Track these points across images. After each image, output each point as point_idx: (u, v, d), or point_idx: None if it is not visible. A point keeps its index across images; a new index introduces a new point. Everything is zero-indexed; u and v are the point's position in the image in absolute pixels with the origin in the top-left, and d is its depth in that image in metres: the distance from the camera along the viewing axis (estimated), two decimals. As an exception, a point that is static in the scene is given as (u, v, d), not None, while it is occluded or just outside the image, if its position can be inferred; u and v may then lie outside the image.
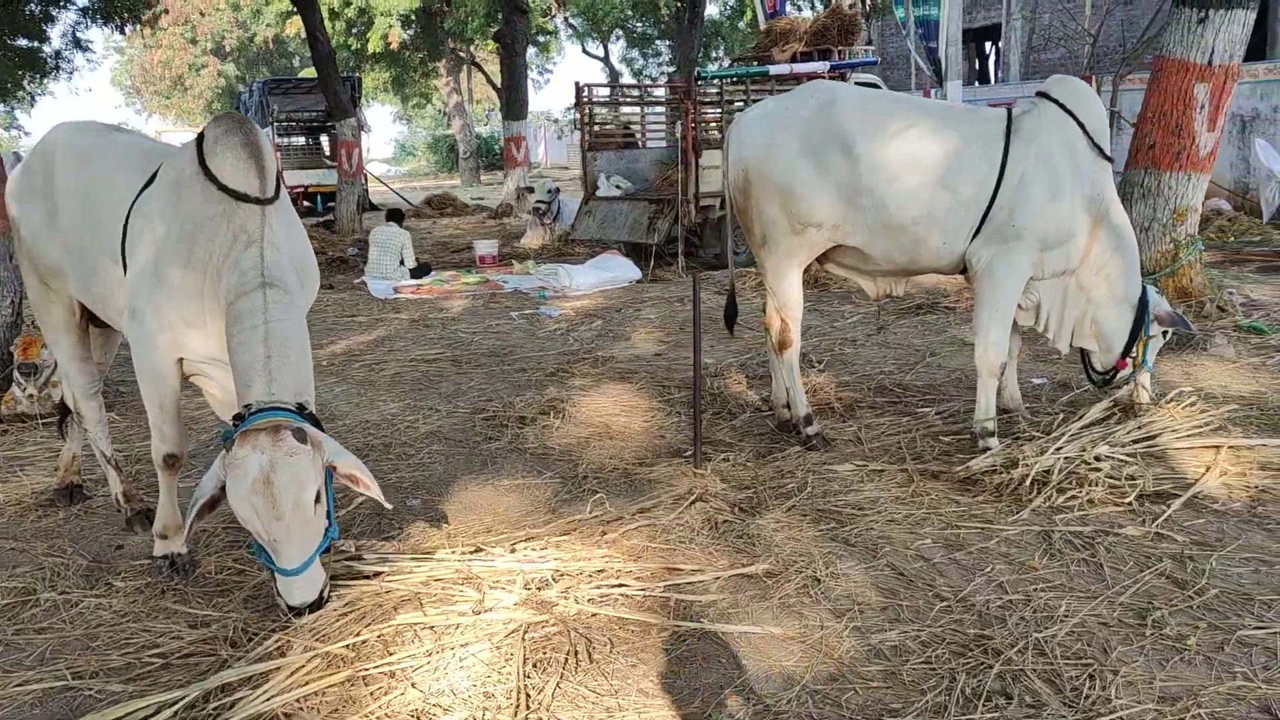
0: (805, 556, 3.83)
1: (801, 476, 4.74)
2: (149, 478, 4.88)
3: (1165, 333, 5.00)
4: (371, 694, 2.95)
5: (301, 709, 2.90)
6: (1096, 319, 4.91)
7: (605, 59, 47.16)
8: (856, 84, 12.47)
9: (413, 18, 36.17)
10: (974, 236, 4.75)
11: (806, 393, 5.41)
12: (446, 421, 5.95)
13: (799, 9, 18.83)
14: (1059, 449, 4.55)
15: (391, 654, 3.12)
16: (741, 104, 11.80)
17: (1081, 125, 4.70)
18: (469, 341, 8.37)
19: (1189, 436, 4.69)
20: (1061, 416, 4.96)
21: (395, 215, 12.49)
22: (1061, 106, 4.73)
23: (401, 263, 11.70)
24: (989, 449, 4.75)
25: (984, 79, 22.90)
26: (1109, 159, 4.78)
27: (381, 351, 8.06)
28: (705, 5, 27.32)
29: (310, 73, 42.01)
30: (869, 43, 13.85)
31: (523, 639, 3.15)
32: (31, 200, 4.23)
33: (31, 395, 6.16)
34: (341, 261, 13.31)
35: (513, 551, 3.88)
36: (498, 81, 45.37)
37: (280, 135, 24.57)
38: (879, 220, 4.77)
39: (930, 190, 4.68)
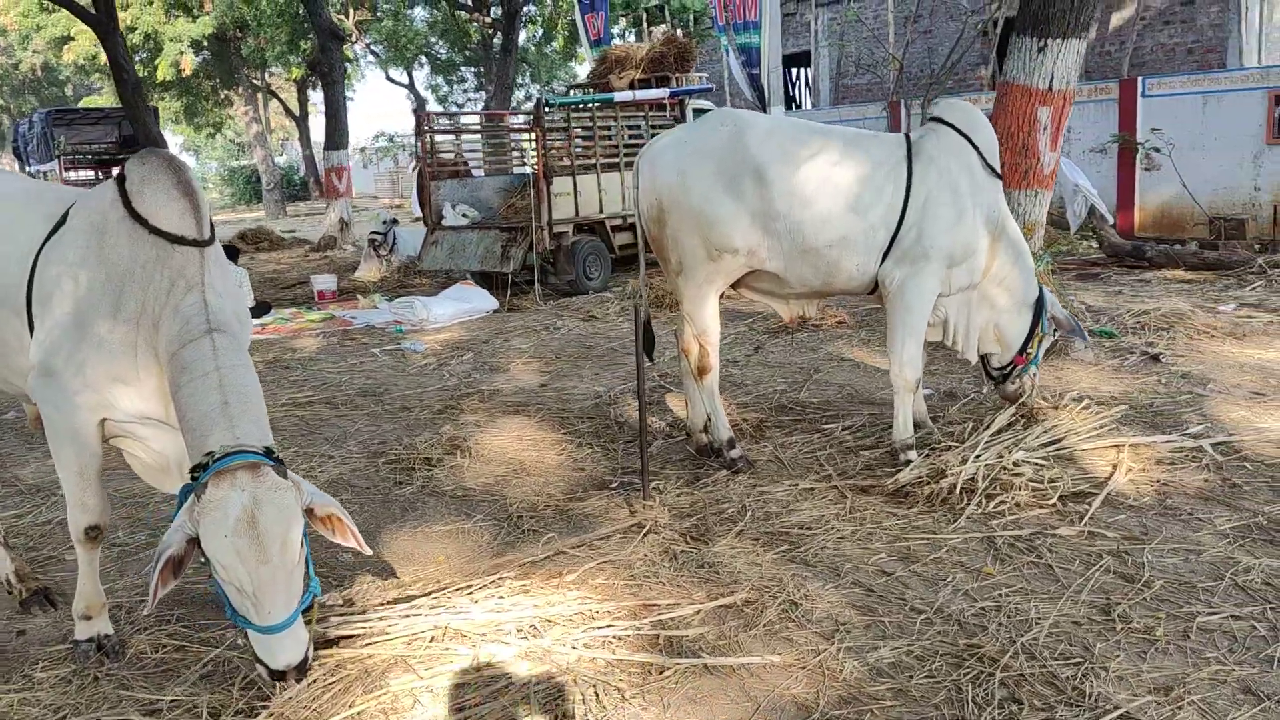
0: (775, 582, 3.85)
1: (738, 500, 4.77)
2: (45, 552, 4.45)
3: (1055, 331, 5.31)
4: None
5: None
6: (999, 324, 5.17)
7: (410, 86, 46.41)
8: (693, 110, 12.81)
9: (205, 43, 34.55)
10: (884, 258, 4.92)
11: (694, 418, 5.47)
12: (345, 468, 5.67)
13: (623, 37, 19.07)
14: (978, 457, 4.76)
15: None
16: (586, 131, 11.87)
17: (976, 147, 4.95)
18: (338, 382, 8.01)
19: (1091, 438, 5.00)
20: (971, 425, 5.19)
21: (230, 252, 11.81)
22: (956, 129, 4.97)
23: (239, 301, 11.07)
24: (910, 461, 4.92)
25: (794, 104, 23.85)
26: (999, 177, 5.06)
27: (246, 397, 7.59)
28: (519, 32, 27.30)
29: (92, 102, 39.65)
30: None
31: (531, 695, 3.02)
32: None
33: None
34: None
35: (476, 602, 3.72)
36: (295, 110, 44.38)
37: (67, 169, 22.92)
38: (794, 245, 4.87)
39: (843, 215, 4.82)
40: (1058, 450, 4.89)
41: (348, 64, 43.45)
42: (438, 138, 12.45)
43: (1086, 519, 4.28)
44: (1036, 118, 7.46)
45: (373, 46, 42.27)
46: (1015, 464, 4.70)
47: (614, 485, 5.14)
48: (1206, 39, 15.41)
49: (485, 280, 11.69)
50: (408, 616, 3.54)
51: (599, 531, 4.44)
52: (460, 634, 3.39)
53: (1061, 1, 7.22)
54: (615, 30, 20.68)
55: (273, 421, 6.77)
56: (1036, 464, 4.73)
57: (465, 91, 49.73)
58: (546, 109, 11.27)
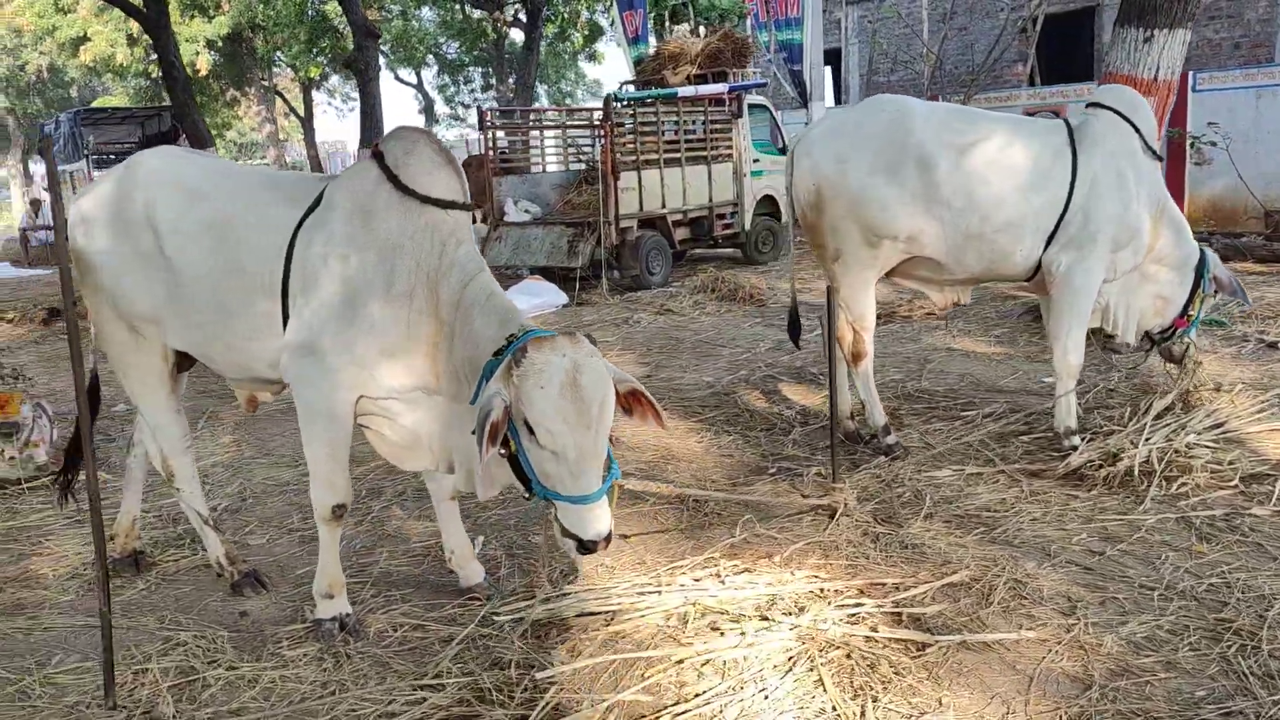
0: (991, 562, 3.87)
1: (910, 485, 4.79)
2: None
3: (1216, 292, 5.32)
4: (691, 739, 2.78)
5: (628, 764, 2.70)
6: (1162, 296, 5.18)
7: (419, 86, 46.43)
8: (750, 105, 12.84)
9: (220, 43, 34.50)
10: (1047, 244, 4.95)
11: (841, 404, 5.48)
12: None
13: (659, 36, 19.07)
14: (1148, 440, 4.79)
15: (688, 696, 2.94)
16: (649, 126, 11.90)
17: (1137, 129, 4.99)
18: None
19: (1254, 421, 5.04)
20: (1129, 410, 5.22)
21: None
22: (1118, 113, 5.00)
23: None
24: (1075, 446, 4.95)
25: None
26: (1160, 158, 5.09)
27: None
28: (541, 31, 27.31)
29: (105, 102, 39.46)
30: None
31: (814, 666, 3.03)
32: (119, 240, 3.76)
33: (12, 458, 5.46)
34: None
35: (697, 580, 3.74)
36: (300, 110, 44.28)
37: (95, 169, 22.83)
38: (959, 231, 4.90)
39: (1010, 199, 4.85)
40: (1224, 433, 4.92)
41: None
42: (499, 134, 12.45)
43: (1276, 498, 4.31)
44: (1141, 108, 7.50)
45: (381, 46, 42.34)
46: (1187, 447, 4.73)
47: (772, 471, 5.17)
48: (1254, 34, 15.52)
49: (547, 276, 11.71)
50: (646, 594, 3.56)
51: (789, 515, 4.46)
52: (712, 611, 3.40)
53: (1169, -8, 7.26)
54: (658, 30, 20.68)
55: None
56: (1208, 446, 4.76)
57: (472, 91, 49.80)
58: (615, 104, 11.29)
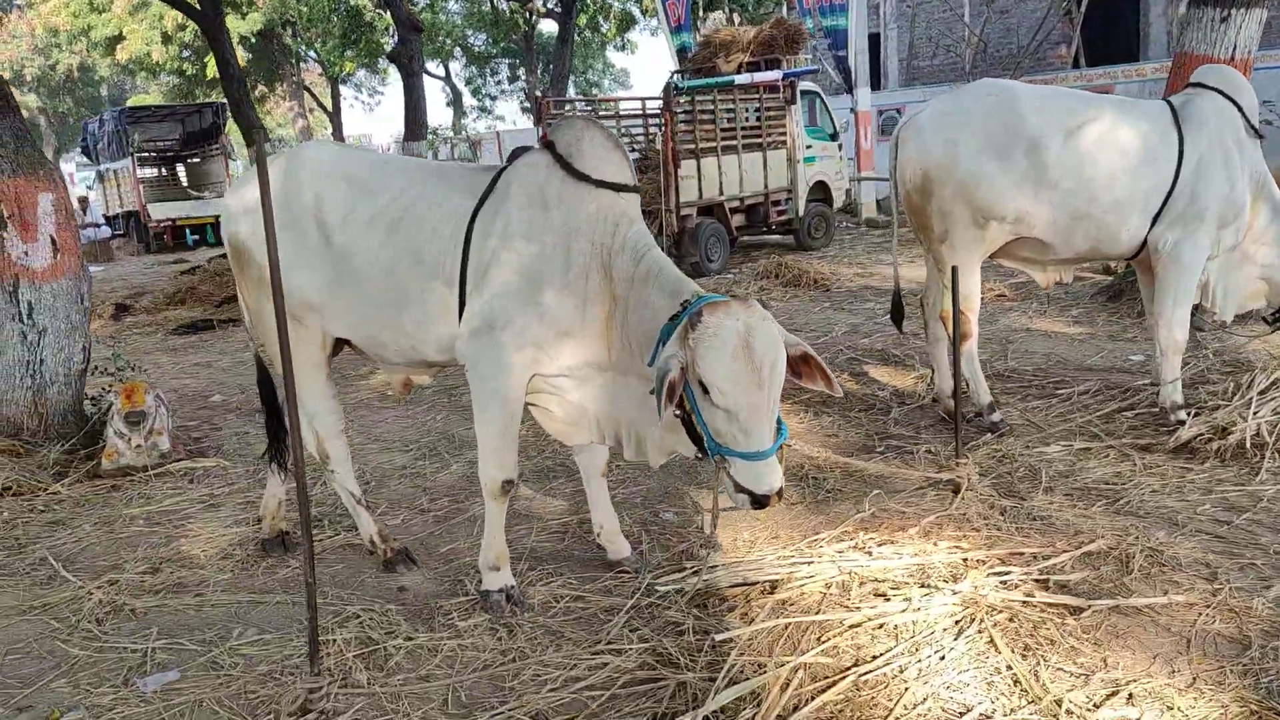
0: (1122, 531, 3.99)
1: (1021, 460, 4.91)
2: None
3: None
4: (877, 698, 2.91)
5: (822, 720, 2.84)
6: (1267, 279, 5.27)
7: (446, 78, 46.62)
8: (803, 92, 12.91)
9: (252, 39, 34.80)
10: (1153, 222, 5.04)
11: (933, 383, 5.59)
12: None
13: (701, 22, 19.18)
14: (1255, 414, 4.87)
15: (866, 658, 3.08)
16: (707, 114, 11.99)
17: (1240, 108, 5.07)
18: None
19: (1358, 395, 5.11)
20: (1231, 386, 5.30)
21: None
22: (1220, 93, 5.08)
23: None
24: (1182, 421, 5.05)
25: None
26: (1261, 136, 5.17)
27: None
28: (575, 22, 27.41)
29: (139, 100, 39.83)
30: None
31: (986, 629, 3.16)
32: (285, 232, 3.85)
33: (138, 446, 5.65)
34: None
35: (840, 552, 3.88)
36: (327, 105, 44.54)
37: (139, 166, 23.13)
38: (1068, 211, 5.00)
39: (1120, 179, 4.94)
40: (1336, 405, 5.00)
41: (386, 61, 43.84)
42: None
43: (1392, 469, 4.41)
44: (1217, 87, 7.55)
45: (409, 39, 42.55)
46: (1294, 420, 4.81)
47: (880, 449, 5.30)
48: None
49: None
50: (798, 565, 3.70)
51: (913, 490, 4.59)
52: (869, 579, 3.53)
53: (1246, -29, 7.29)
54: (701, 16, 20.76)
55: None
56: (1314, 420, 4.85)
57: (499, 83, 50.02)
58: (676, 92, 11.40)
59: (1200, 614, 3.35)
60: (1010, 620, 3.23)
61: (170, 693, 3.30)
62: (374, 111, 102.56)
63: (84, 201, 24.15)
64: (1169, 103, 5.17)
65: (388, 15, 33.43)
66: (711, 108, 11.87)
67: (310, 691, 3.15)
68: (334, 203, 3.82)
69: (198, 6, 14.35)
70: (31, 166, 5.78)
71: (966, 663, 3.03)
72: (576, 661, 3.28)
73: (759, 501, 3.01)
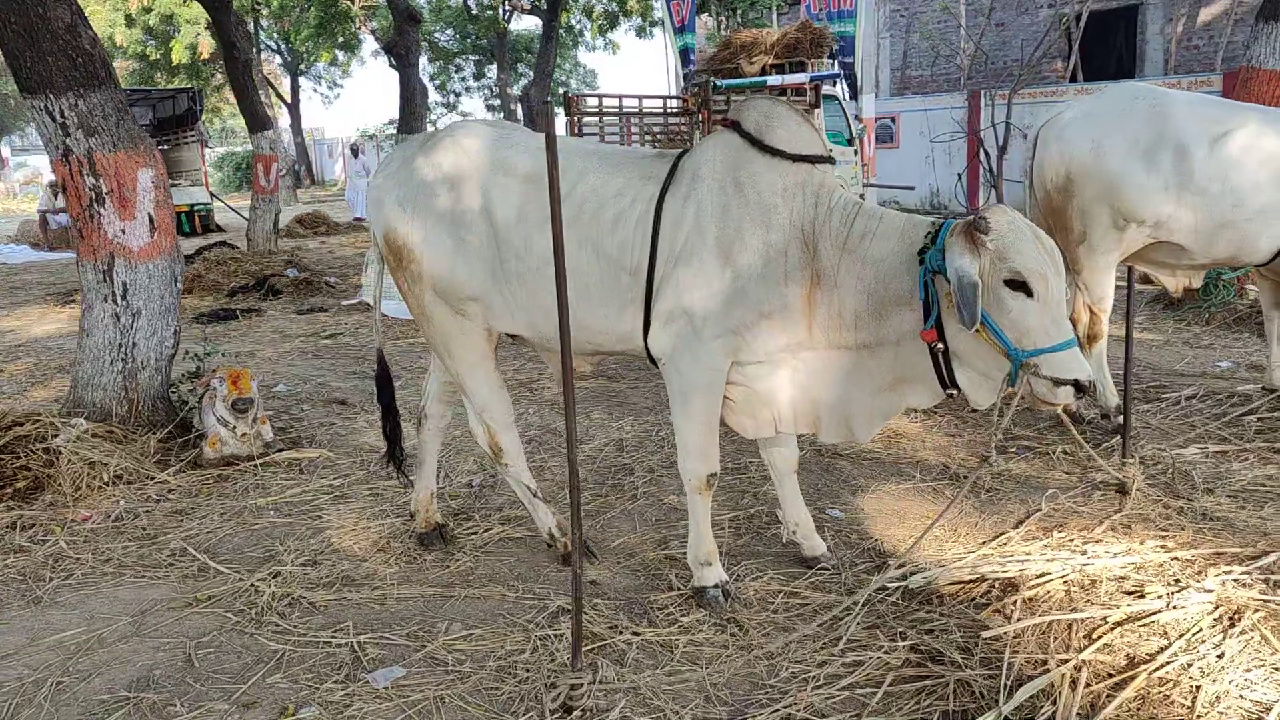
0: (1309, 530, 4.01)
1: (1161, 461, 4.92)
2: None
3: None
4: (1172, 695, 2.87)
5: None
6: None
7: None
8: (825, 97, 12.93)
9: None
10: (1290, 229, 5.11)
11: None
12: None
13: (706, 24, 19.22)
14: (1390, 420, 4.96)
15: (1143, 656, 3.04)
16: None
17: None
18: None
19: None
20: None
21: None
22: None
23: (403, 281, 11.05)
24: (1311, 424, 5.11)
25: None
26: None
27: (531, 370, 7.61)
28: (559, 21, 27.23)
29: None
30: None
31: (1254, 625, 3.14)
32: (450, 224, 3.75)
33: (244, 435, 5.44)
34: (308, 283, 12.36)
35: (1040, 552, 3.85)
36: (286, 96, 43.78)
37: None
38: (1210, 218, 5.03)
39: (1266, 189, 4.99)
40: None
41: (348, 54, 43.18)
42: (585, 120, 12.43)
43: None
44: (1284, 102, 7.70)
45: (373, 32, 41.99)
46: None
47: (1012, 450, 5.28)
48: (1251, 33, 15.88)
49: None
50: (1009, 564, 3.66)
51: (1076, 490, 4.58)
52: (1109, 578, 3.50)
53: (1317, -10, 7.45)
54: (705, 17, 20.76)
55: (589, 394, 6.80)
56: None
57: (463, 80, 49.61)
58: (714, 92, 11.33)
59: None
60: (1269, 618, 3.21)
61: (404, 689, 3.15)
62: (332, 105, 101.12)
63: (55, 187, 23.39)
64: (1302, 114, 5.24)
65: (355, 6, 33.10)
66: (743, 108, 11.82)
67: (573, 688, 3.02)
68: (503, 198, 3.67)
69: (203, -12, 13.99)
70: (132, 141, 5.53)
71: (1245, 659, 3.00)
72: (828, 659, 3.20)
73: (1083, 388, 3.03)
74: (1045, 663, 3.00)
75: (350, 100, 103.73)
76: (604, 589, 3.84)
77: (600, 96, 12.11)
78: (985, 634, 3.15)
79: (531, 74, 48.04)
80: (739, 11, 23.56)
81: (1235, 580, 3.47)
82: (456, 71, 48.97)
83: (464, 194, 3.72)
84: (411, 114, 18.88)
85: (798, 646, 3.30)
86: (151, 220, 5.61)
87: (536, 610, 3.65)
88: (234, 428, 5.43)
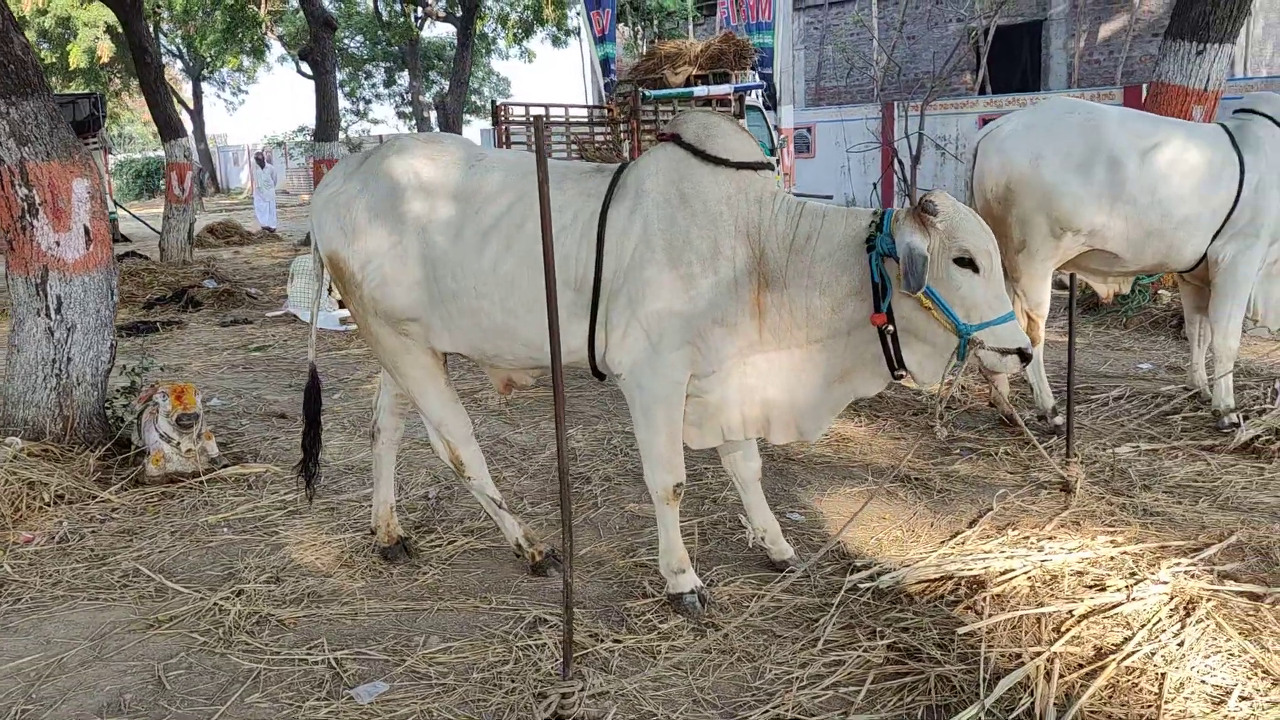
0: (1243, 524, 4.22)
1: (1101, 460, 5.14)
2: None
3: None
4: (1140, 683, 3.01)
5: (1097, 713, 2.91)
6: None
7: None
8: (748, 107, 13.15)
9: (117, 31, 33.02)
10: (1214, 237, 5.37)
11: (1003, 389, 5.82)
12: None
13: (624, 35, 19.33)
14: (1302, 417, 5.25)
15: (1107, 646, 3.18)
16: (665, 123, 12.04)
17: (1287, 133, 5.46)
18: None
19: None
20: (1269, 392, 5.69)
21: (325, 241, 11.57)
22: (1271, 119, 5.46)
23: (330, 292, 10.88)
24: (1236, 424, 5.38)
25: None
26: (1309, 159, 5.57)
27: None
28: (475, 30, 27.05)
29: None
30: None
31: (1209, 614, 3.30)
32: (377, 245, 3.71)
33: (189, 451, 5.31)
34: (229, 295, 12.07)
35: (1000, 549, 3.99)
36: (189, 103, 42.67)
37: None
38: (1141, 227, 5.27)
39: (1191, 198, 5.25)
40: (1362, 409, 5.43)
41: (253, 60, 42.23)
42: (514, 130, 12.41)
43: None
44: (1191, 115, 8.08)
45: (279, 39, 41.17)
46: (1338, 421, 5.21)
47: (956, 452, 5.45)
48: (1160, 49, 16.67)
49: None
50: (975, 561, 3.78)
51: (1023, 490, 4.75)
52: (1069, 573, 3.64)
53: (1221, 10, 7.84)
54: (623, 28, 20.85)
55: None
56: (1355, 420, 5.26)
57: (373, 87, 48.96)
58: (644, 102, 11.41)
59: (1365, 598, 3.58)
60: (1220, 607, 3.38)
61: (390, 704, 3.13)
62: (236, 111, 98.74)
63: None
64: (1224, 127, 5.51)
65: (263, 10, 32.42)
66: (671, 116, 11.94)
67: (564, 696, 3.04)
68: (439, 215, 3.67)
69: (112, -9, 13.56)
70: (67, 150, 5.37)
71: (1203, 647, 3.16)
72: (810, 659, 3.27)
73: (1026, 356, 3.29)
74: (1019, 656, 3.12)
75: (255, 107, 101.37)
76: (579, 598, 3.84)
77: (527, 106, 12.09)
78: (960, 630, 3.26)
79: (444, 81, 47.75)
80: (655, 22, 23.72)
81: (1185, 572, 3.65)
82: (367, 78, 48.30)
83: (401, 213, 3.70)
84: (328, 121, 18.55)
85: (778, 648, 3.36)
86: (87, 231, 5.45)
87: (513, 621, 3.65)
88: (178, 444, 5.29)
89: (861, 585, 3.67)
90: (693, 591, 3.66)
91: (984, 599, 3.46)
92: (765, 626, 3.53)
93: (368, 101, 48.91)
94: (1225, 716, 2.87)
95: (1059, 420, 5.62)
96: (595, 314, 3.57)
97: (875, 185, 18.04)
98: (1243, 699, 2.94)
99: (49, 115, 5.32)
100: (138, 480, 5.23)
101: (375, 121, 50.31)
